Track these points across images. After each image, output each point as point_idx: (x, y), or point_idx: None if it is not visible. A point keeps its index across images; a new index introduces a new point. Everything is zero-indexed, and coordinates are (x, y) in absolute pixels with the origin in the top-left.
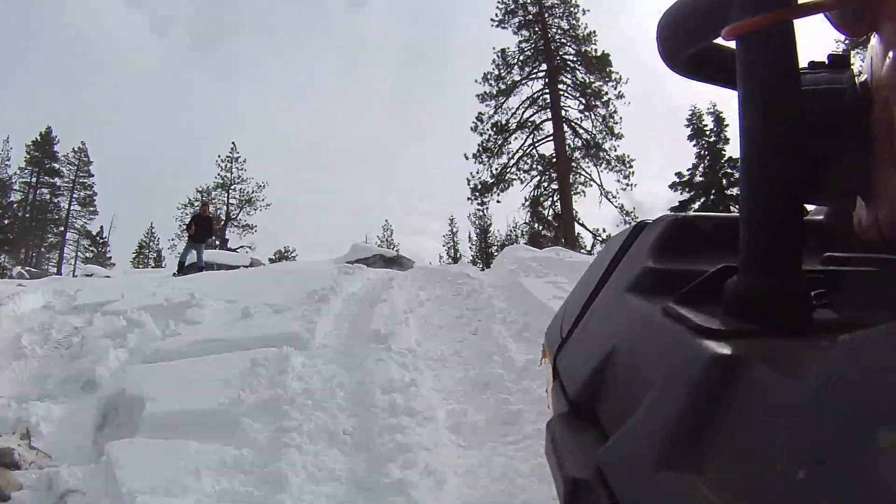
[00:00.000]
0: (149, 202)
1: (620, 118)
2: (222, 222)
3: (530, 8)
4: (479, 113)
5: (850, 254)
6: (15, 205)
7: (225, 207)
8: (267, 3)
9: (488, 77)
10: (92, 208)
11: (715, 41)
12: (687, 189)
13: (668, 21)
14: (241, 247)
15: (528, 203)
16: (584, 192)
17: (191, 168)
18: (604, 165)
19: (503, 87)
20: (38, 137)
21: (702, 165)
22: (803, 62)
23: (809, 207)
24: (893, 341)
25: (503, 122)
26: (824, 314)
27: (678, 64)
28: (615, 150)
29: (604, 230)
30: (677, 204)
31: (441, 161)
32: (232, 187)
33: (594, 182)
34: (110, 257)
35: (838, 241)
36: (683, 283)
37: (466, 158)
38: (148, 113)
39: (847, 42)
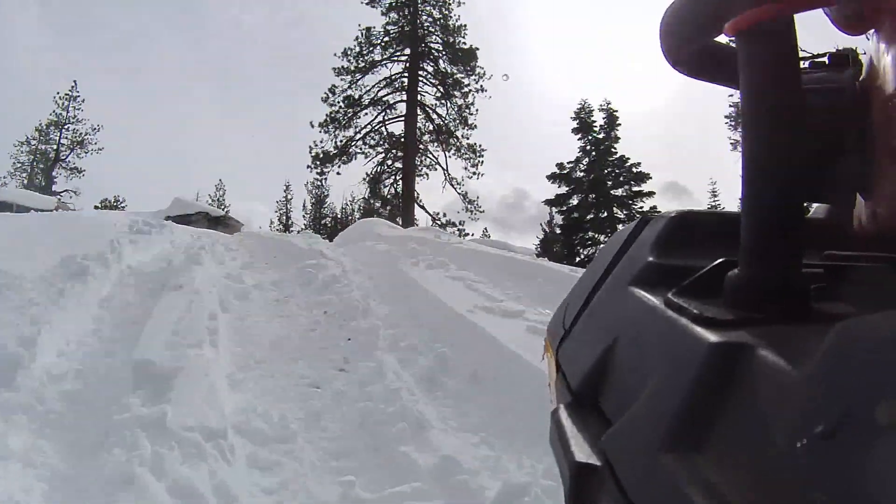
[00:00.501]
0: None
1: (476, 110)
2: (50, 162)
3: None
4: (333, 85)
5: (850, 252)
6: None
7: (55, 147)
8: None
9: (349, 52)
10: None
11: (716, 39)
12: (565, 183)
13: (669, 19)
14: (66, 190)
15: (368, 178)
16: (427, 174)
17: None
18: (453, 151)
19: (363, 64)
20: None
21: (586, 160)
22: (804, 62)
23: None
24: (891, 324)
25: (356, 96)
26: (823, 307)
27: (680, 62)
28: (467, 139)
29: (444, 214)
30: (553, 197)
31: (285, 127)
32: (65, 126)
33: (440, 166)
34: None
35: (838, 240)
36: (685, 278)
37: (312, 126)
38: None
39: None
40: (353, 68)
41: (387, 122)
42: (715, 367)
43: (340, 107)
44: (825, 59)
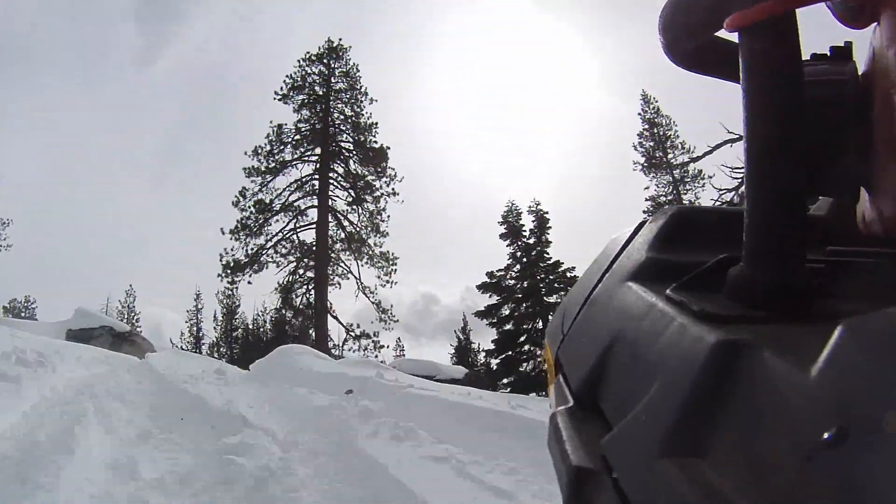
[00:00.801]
0: None
1: (388, 216)
2: None
3: (317, 88)
4: (244, 188)
5: (854, 247)
6: None
7: None
8: (57, 40)
9: (259, 151)
10: None
11: (716, 34)
12: (496, 292)
13: (669, 13)
14: None
15: (280, 288)
16: (339, 283)
17: None
18: (365, 260)
19: (273, 164)
20: None
21: (517, 266)
22: (805, 56)
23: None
24: (895, 324)
25: (267, 201)
26: (826, 304)
27: (680, 57)
28: (379, 247)
29: (357, 325)
30: (483, 308)
31: (197, 230)
32: None
33: (352, 275)
34: None
35: (841, 235)
36: (684, 274)
37: (223, 233)
38: None
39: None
40: (263, 169)
41: (298, 230)
42: (717, 366)
43: (251, 212)
44: (827, 52)
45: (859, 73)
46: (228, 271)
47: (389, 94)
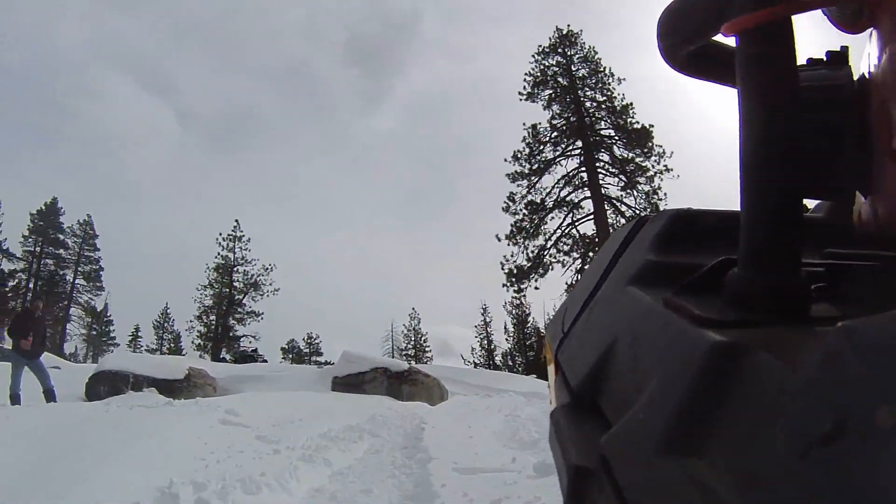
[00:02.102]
0: (160, 283)
1: (665, 194)
2: (224, 309)
3: (560, 79)
4: (511, 193)
5: (850, 250)
6: (17, 273)
7: (229, 291)
8: (288, 108)
9: (519, 156)
10: (98, 283)
11: (714, 38)
12: None
13: (667, 18)
14: (245, 336)
15: (569, 288)
16: None
17: (201, 255)
18: None
19: (536, 165)
20: (43, 207)
21: None
22: (801, 60)
23: (809, 205)
24: (892, 325)
25: (538, 200)
26: (823, 307)
27: (678, 62)
28: None
29: None
30: None
31: (470, 245)
32: (235, 269)
33: None
34: (114, 336)
35: (838, 238)
36: (684, 277)
37: (499, 240)
38: (161, 198)
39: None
40: (527, 171)
41: (576, 223)
42: (714, 368)
43: (524, 214)
44: (823, 57)
45: (855, 77)
46: (513, 279)
47: (637, 73)
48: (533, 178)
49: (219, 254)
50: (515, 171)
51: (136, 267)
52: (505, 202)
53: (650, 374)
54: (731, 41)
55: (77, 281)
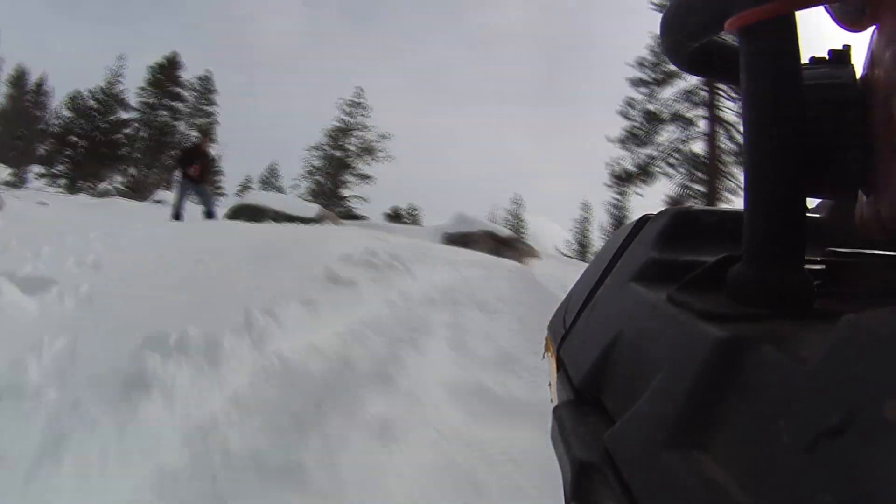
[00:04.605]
0: (271, 141)
1: None
2: (334, 170)
3: None
4: (630, 98)
5: (853, 249)
6: (130, 123)
7: (342, 153)
8: None
9: (644, 63)
10: (211, 136)
11: (718, 36)
12: None
13: (671, 14)
14: (354, 196)
15: (670, 201)
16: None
17: (315, 116)
18: None
19: (660, 76)
20: (164, 61)
21: None
22: (804, 58)
23: (810, 204)
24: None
25: (655, 111)
26: (825, 304)
27: (682, 59)
28: None
29: None
30: None
31: (576, 140)
32: (352, 132)
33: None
34: (221, 187)
35: (840, 237)
36: (687, 273)
37: (609, 141)
38: (283, 64)
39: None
40: (649, 80)
41: (688, 140)
42: (719, 362)
43: (640, 121)
44: (825, 56)
45: (857, 76)
46: (618, 180)
47: None
48: (654, 87)
49: (339, 118)
50: (638, 78)
51: (249, 126)
52: (622, 106)
53: (655, 369)
54: (735, 40)
55: (191, 133)
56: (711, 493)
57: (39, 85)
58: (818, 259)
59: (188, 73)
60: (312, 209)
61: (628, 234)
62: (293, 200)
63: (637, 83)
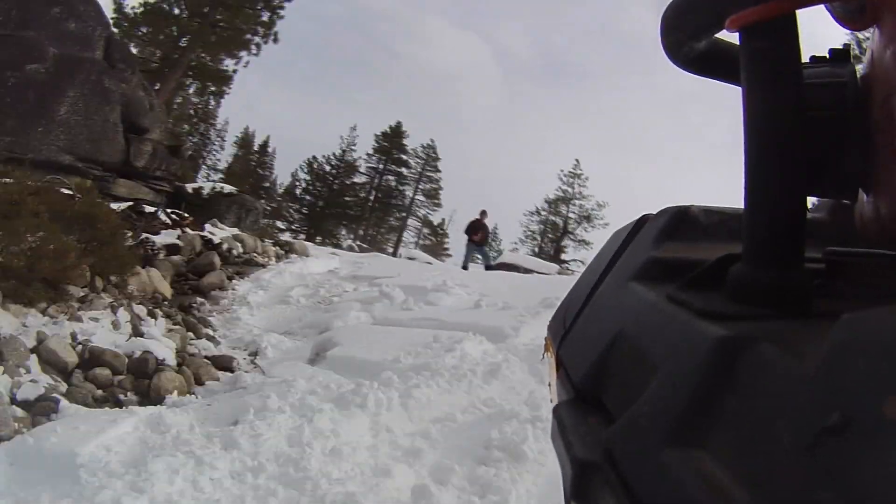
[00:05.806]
0: (490, 207)
1: None
2: (559, 234)
3: None
4: None
5: (852, 248)
6: (358, 186)
7: (563, 221)
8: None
9: None
10: (436, 201)
11: (717, 35)
12: None
13: (671, 14)
14: (574, 260)
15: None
16: None
17: (532, 182)
18: None
19: None
20: (389, 129)
21: None
22: (804, 58)
23: (811, 203)
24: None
25: None
26: (824, 303)
27: (682, 59)
28: None
29: None
30: None
31: None
32: (571, 202)
33: None
34: (447, 248)
35: (840, 236)
36: (686, 272)
37: None
38: (493, 133)
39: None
40: None
41: None
42: (719, 361)
43: None
44: (825, 55)
45: (858, 75)
46: None
47: None
48: None
49: (559, 188)
50: None
51: (465, 190)
52: None
53: (655, 368)
54: (735, 38)
55: (417, 196)
56: (711, 491)
57: (264, 146)
58: (818, 259)
59: (412, 142)
60: (553, 268)
61: (628, 234)
62: (535, 260)
63: None
